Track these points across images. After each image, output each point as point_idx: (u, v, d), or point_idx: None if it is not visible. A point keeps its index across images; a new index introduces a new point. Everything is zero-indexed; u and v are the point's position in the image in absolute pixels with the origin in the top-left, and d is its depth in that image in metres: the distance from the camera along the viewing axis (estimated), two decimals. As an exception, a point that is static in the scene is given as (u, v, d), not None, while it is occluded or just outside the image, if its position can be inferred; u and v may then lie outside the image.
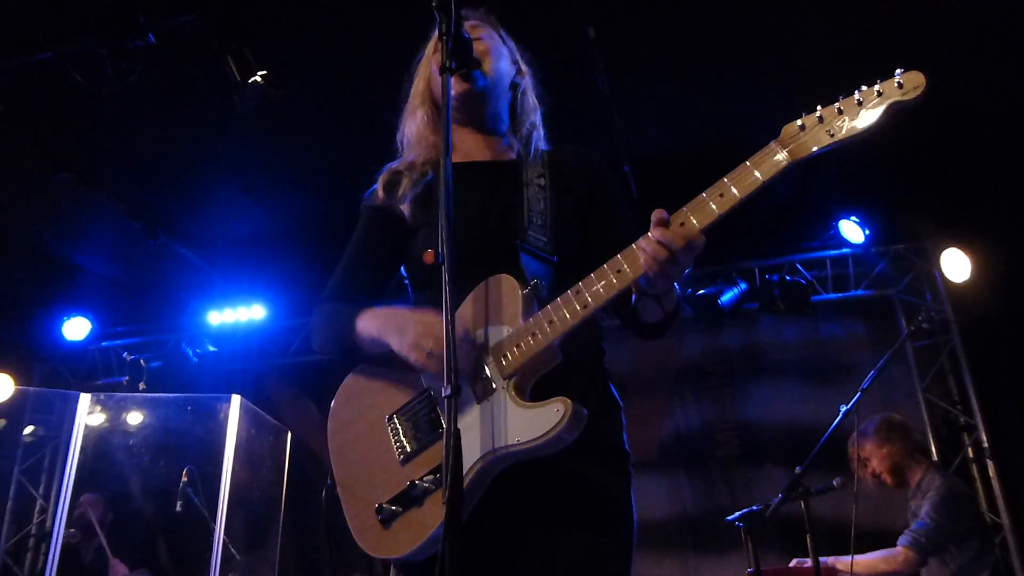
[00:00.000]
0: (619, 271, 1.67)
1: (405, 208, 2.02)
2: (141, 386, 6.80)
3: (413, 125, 2.12)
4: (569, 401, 1.63)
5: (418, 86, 2.15)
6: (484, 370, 1.74)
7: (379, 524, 1.77)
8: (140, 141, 5.31)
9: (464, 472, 1.61)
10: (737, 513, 3.91)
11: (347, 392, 1.98)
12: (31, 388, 7.04)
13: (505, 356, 1.73)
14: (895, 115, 1.51)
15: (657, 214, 1.63)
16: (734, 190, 1.59)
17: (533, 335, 1.71)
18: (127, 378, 7.15)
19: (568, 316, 1.69)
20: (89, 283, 6.93)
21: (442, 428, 1.76)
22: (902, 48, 4.72)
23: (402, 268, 2.09)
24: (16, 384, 6.47)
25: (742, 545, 3.91)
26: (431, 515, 1.68)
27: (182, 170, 5.61)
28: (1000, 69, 4.97)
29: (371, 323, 1.87)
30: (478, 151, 2.09)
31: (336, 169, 5.64)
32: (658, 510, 6.11)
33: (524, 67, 2.16)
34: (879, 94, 1.51)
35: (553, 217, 1.93)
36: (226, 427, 5.74)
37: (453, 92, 1.89)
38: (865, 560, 4.30)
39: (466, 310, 1.81)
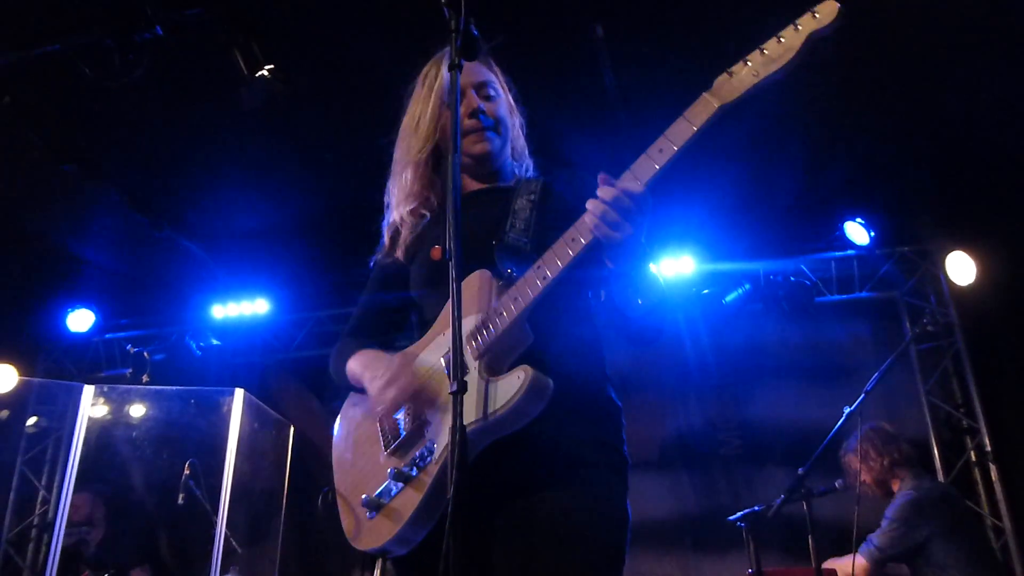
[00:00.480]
0: (573, 240, 1.72)
1: (401, 252, 2.11)
2: (144, 379, 6.81)
3: (406, 178, 2.14)
4: (531, 368, 1.65)
5: (410, 143, 2.13)
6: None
7: (366, 517, 1.82)
8: (146, 134, 5.31)
9: (439, 456, 1.70)
10: (739, 513, 3.92)
11: (346, 408, 2.08)
12: (34, 379, 7.05)
13: (476, 339, 1.76)
14: (814, 45, 1.61)
15: (601, 176, 1.70)
16: (671, 143, 1.67)
17: (499, 315, 1.75)
18: (130, 370, 7.17)
19: (529, 291, 1.73)
20: (93, 275, 6.94)
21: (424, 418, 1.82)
22: (908, 50, 4.70)
23: (414, 296, 2.14)
24: (19, 375, 6.49)
25: (742, 545, 3.91)
26: (409, 501, 1.72)
27: (188, 163, 5.61)
28: (1007, 71, 4.96)
29: (354, 366, 2.00)
30: (475, 186, 2.16)
31: (342, 164, 5.64)
32: (659, 509, 6.11)
33: (515, 108, 2.23)
34: (797, 28, 1.60)
35: (538, 221, 1.98)
36: (229, 420, 5.75)
37: (476, 150, 2.05)
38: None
39: (446, 307, 1.85)
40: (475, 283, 1.83)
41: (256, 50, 3.99)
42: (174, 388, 6.24)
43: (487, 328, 1.74)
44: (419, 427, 1.79)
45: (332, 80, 4.89)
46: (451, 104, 1.71)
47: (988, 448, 5.81)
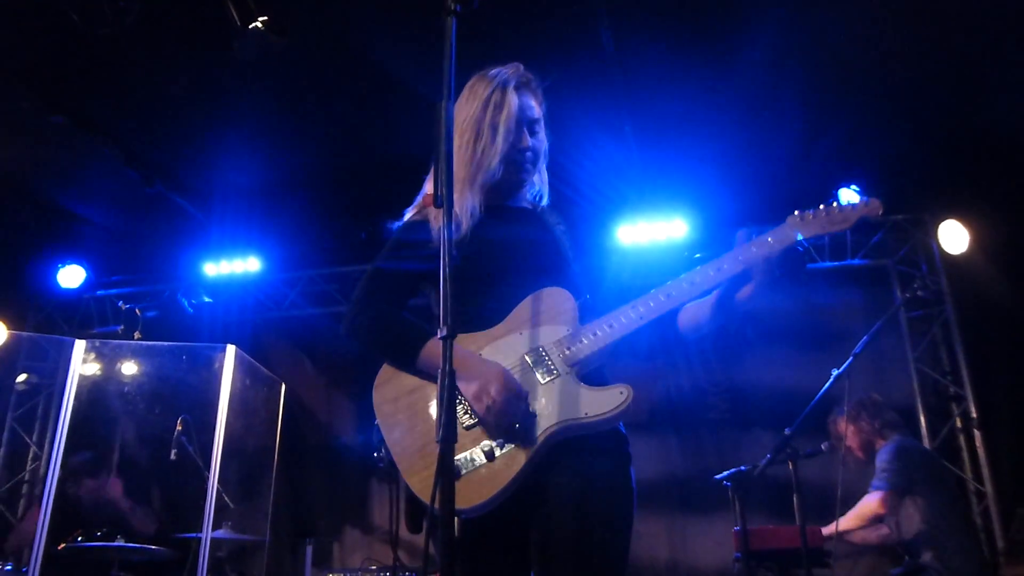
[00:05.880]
0: (666, 296, 2.09)
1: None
2: (136, 335, 6.80)
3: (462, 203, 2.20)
4: (630, 388, 1.96)
5: (458, 174, 2.17)
6: (545, 359, 2.02)
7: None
8: (138, 86, 5.23)
9: (539, 433, 1.93)
10: (725, 472, 3.97)
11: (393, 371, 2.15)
12: (24, 333, 7.03)
13: (568, 348, 2.02)
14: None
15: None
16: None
17: (594, 334, 2.03)
18: (122, 327, 7.16)
19: (624, 321, 2.04)
20: (84, 231, 6.90)
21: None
22: (904, 18, 4.66)
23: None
24: (9, 330, 6.46)
25: (728, 506, 3.97)
26: (499, 476, 1.90)
27: (179, 117, 5.53)
28: (998, 40, 4.93)
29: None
30: (504, 199, 2.32)
31: (336, 122, 5.58)
32: (646, 470, 6.17)
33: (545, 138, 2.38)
34: (854, 208, 2.18)
35: (574, 257, 2.23)
36: (220, 377, 5.75)
37: (515, 179, 2.26)
38: (847, 524, 4.39)
39: (523, 313, 2.08)
40: (559, 298, 2.10)
41: (249, 1, 3.92)
42: (166, 344, 6.22)
43: (580, 342, 2.03)
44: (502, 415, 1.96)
45: (328, 35, 4.81)
46: (447, 48, 1.73)
47: (973, 415, 5.89)
